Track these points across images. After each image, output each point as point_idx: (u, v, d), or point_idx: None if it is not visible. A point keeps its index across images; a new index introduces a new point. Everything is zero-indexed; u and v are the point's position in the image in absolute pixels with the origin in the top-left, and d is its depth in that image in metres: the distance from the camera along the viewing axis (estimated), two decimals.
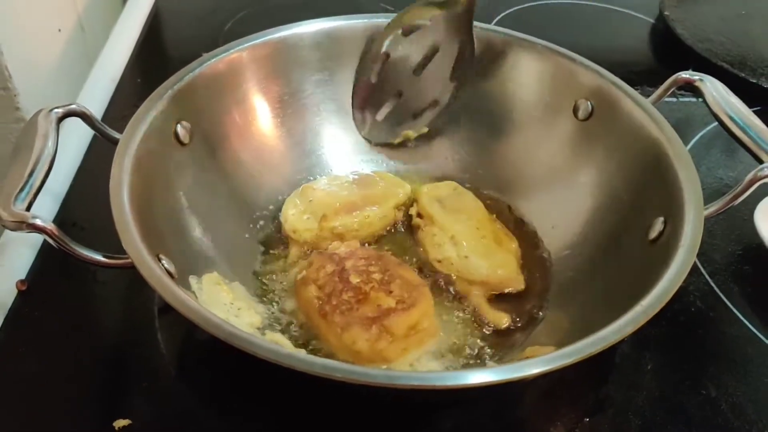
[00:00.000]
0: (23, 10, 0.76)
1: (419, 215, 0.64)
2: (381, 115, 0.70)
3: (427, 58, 0.67)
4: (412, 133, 0.70)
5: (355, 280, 0.55)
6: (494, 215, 0.65)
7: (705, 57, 0.91)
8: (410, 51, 0.67)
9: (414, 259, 0.63)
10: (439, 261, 0.61)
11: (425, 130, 0.70)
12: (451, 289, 0.60)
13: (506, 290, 0.60)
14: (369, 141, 0.71)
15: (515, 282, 0.60)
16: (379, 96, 0.69)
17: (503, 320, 0.57)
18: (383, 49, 0.67)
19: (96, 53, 0.89)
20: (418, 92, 0.69)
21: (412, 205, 0.66)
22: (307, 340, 0.55)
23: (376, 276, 0.56)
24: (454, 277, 0.60)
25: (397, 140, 0.71)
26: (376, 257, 0.58)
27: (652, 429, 0.52)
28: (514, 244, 0.62)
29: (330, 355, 0.53)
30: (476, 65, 0.67)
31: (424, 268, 0.62)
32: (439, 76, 0.68)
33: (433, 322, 0.56)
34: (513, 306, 0.59)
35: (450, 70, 0.67)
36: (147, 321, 0.57)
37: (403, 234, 0.66)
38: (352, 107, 0.70)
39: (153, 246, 0.48)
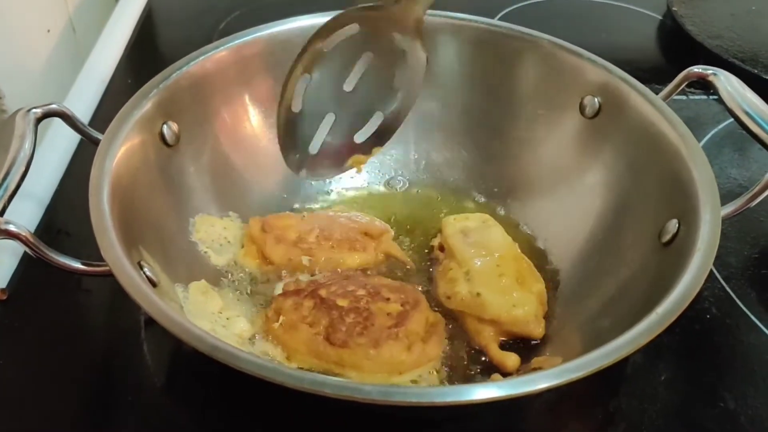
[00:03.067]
0: (11, 9, 0.73)
1: (441, 248, 0.60)
2: (315, 147, 0.58)
3: (360, 69, 0.57)
4: (361, 158, 0.60)
5: (344, 302, 0.52)
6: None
7: (715, 53, 0.89)
8: (337, 65, 0.56)
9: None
10: (448, 297, 0.55)
11: (377, 151, 0.61)
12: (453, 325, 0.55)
13: (521, 334, 0.54)
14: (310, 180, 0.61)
15: (532, 326, 0.54)
16: (308, 125, 0.57)
17: (511, 360, 0.52)
18: (302, 70, 0.55)
19: (87, 54, 0.87)
20: (355, 111, 0.58)
21: (435, 236, 0.62)
22: None
23: (361, 292, 0.53)
24: (465, 315, 0.55)
25: (344, 171, 0.61)
26: (343, 277, 0.56)
27: None
28: (539, 286, 0.56)
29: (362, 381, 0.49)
30: (424, 67, 0.57)
31: (435, 306, 0.56)
32: (379, 86, 0.58)
33: (438, 315, 0.55)
34: None
35: (392, 77, 0.58)
36: (133, 331, 0.55)
37: (424, 268, 0.61)
38: (280, 145, 0.57)
39: (135, 253, 0.47)
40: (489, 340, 0.53)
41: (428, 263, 0.61)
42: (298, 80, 0.55)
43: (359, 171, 0.61)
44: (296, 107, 0.56)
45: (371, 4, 0.54)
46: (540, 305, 0.55)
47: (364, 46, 0.55)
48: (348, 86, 0.57)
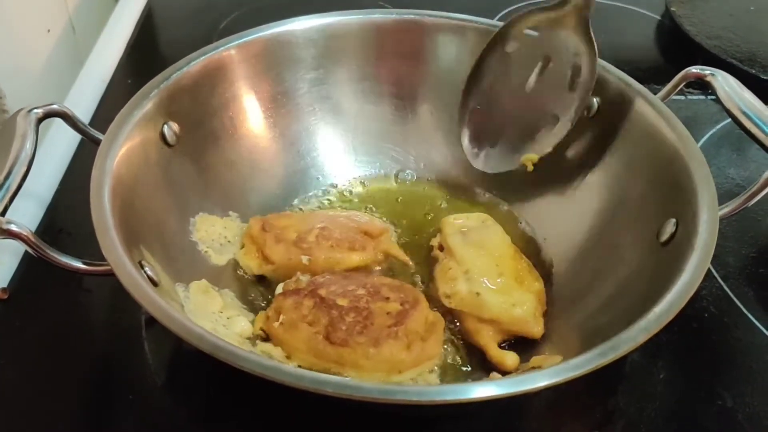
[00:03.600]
0: (11, 9, 0.74)
1: (440, 247, 0.60)
2: (493, 142, 0.65)
3: (539, 71, 0.62)
4: (533, 156, 0.63)
5: (344, 302, 0.52)
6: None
7: (714, 53, 0.89)
8: (517, 66, 0.62)
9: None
10: (448, 296, 0.55)
11: (548, 150, 0.62)
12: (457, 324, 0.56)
13: (520, 333, 0.54)
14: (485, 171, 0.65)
15: (531, 325, 0.54)
16: (490, 122, 0.64)
17: (510, 359, 0.52)
18: (488, 71, 0.62)
19: (87, 54, 0.87)
20: (532, 110, 0.63)
21: (434, 235, 0.62)
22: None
23: (360, 291, 0.53)
24: (464, 315, 0.55)
25: (515, 167, 0.64)
26: (343, 276, 0.56)
27: None
28: (537, 285, 0.57)
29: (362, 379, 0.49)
30: (595, 69, 0.60)
31: (434, 305, 0.56)
32: (556, 88, 0.61)
33: (437, 315, 0.54)
34: None
35: (568, 80, 0.61)
36: (133, 330, 0.55)
37: (423, 267, 0.61)
38: (462, 139, 0.65)
39: (136, 252, 0.47)
40: (488, 339, 0.53)
41: (428, 262, 0.61)
42: (483, 78, 0.62)
43: (530, 169, 0.63)
44: (478, 104, 0.63)
45: (544, 5, 0.59)
46: (539, 304, 0.55)
47: (542, 48, 0.61)
48: (528, 87, 0.63)
